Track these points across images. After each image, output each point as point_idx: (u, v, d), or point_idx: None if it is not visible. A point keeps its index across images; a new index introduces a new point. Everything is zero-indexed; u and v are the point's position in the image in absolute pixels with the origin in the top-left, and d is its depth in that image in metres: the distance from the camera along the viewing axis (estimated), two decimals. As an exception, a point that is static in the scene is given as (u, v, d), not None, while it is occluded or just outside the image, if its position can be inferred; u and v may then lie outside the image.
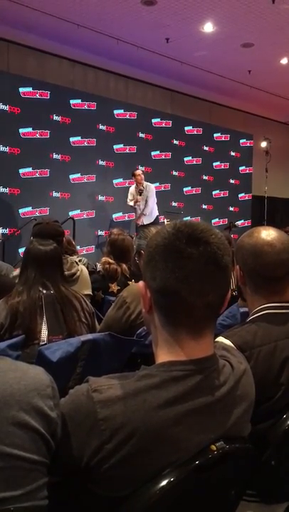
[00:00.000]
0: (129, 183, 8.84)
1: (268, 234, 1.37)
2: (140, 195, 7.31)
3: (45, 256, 2.09)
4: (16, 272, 2.91)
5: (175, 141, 9.65)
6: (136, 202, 7.38)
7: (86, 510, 0.90)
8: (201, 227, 0.91)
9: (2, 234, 7.23)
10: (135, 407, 0.83)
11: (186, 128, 9.89)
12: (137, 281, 3.10)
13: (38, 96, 7.72)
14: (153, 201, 7.49)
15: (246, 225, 10.57)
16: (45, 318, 1.96)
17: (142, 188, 7.33)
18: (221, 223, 10.00)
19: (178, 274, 0.87)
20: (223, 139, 10.55)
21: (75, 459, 0.85)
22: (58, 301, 2.02)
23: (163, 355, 0.93)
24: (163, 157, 9.42)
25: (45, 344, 1.87)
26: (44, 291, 2.02)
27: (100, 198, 8.56)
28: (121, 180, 8.80)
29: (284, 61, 9.20)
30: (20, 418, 0.77)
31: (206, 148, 10.19)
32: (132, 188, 7.62)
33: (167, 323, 0.92)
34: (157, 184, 9.34)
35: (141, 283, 0.96)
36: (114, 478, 0.83)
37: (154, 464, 0.84)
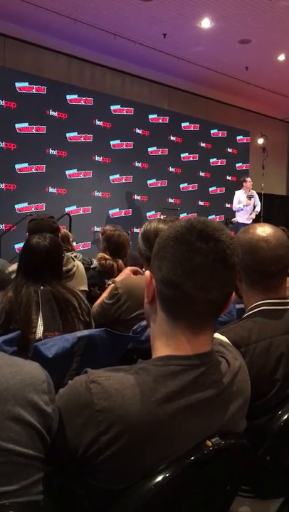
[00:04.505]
0: (125, 179, 8.84)
1: (263, 230, 1.38)
2: (250, 199, 8.73)
3: (44, 251, 2.08)
4: (12, 267, 2.91)
5: (172, 138, 9.63)
6: (245, 205, 8.73)
7: (82, 503, 0.90)
8: (214, 226, 0.91)
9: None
10: (133, 400, 0.84)
11: (183, 124, 9.87)
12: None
13: (34, 91, 7.68)
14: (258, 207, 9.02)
15: (243, 221, 10.57)
16: (41, 314, 1.95)
17: (250, 193, 8.77)
18: (218, 220, 10.01)
19: (184, 267, 0.88)
20: (220, 135, 10.54)
21: (70, 449, 0.86)
22: (54, 298, 2.01)
23: (161, 348, 0.93)
24: (160, 153, 9.40)
25: (41, 340, 1.87)
26: (41, 287, 2.01)
27: (97, 193, 8.54)
28: (117, 176, 8.78)
29: (281, 58, 9.17)
30: (15, 413, 0.77)
31: (202, 144, 10.17)
32: (241, 194, 8.79)
33: (168, 315, 0.93)
34: (154, 180, 9.33)
35: (147, 272, 0.97)
36: (110, 470, 0.84)
37: (149, 458, 0.84)
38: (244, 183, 8.84)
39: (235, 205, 8.82)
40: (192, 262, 0.88)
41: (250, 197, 8.78)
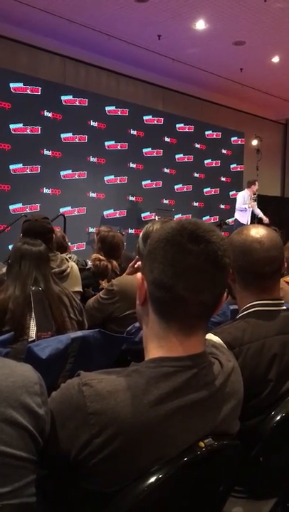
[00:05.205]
0: (120, 180, 8.84)
1: (257, 231, 1.38)
2: (255, 201, 8.84)
3: (35, 255, 2.09)
4: (6, 268, 2.89)
5: (166, 139, 9.64)
6: (249, 207, 8.78)
7: (75, 506, 0.90)
8: (204, 227, 0.91)
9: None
10: (125, 402, 0.84)
11: (178, 125, 9.88)
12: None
13: (28, 91, 7.66)
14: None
15: (237, 222, 10.58)
16: (33, 315, 1.95)
17: (254, 197, 8.86)
18: (212, 221, 10.02)
19: (175, 269, 0.88)
20: (214, 136, 10.56)
21: (63, 452, 0.86)
22: (46, 298, 2.01)
23: (153, 350, 0.93)
24: (154, 154, 9.40)
25: (34, 341, 1.86)
26: (33, 288, 2.01)
27: (91, 194, 8.54)
28: (112, 177, 8.77)
29: (275, 59, 9.21)
30: (8, 415, 0.77)
31: (197, 145, 10.19)
32: (246, 194, 8.80)
33: (160, 317, 0.93)
34: (148, 181, 9.34)
35: (139, 274, 0.97)
36: (103, 473, 0.84)
37: (142, 460, 0.84)
38: (253, 186, 8.83)
39: (241, 205, 8.76)
40: (183, 264, 0.88)
41: (254, 199, 8.84)
